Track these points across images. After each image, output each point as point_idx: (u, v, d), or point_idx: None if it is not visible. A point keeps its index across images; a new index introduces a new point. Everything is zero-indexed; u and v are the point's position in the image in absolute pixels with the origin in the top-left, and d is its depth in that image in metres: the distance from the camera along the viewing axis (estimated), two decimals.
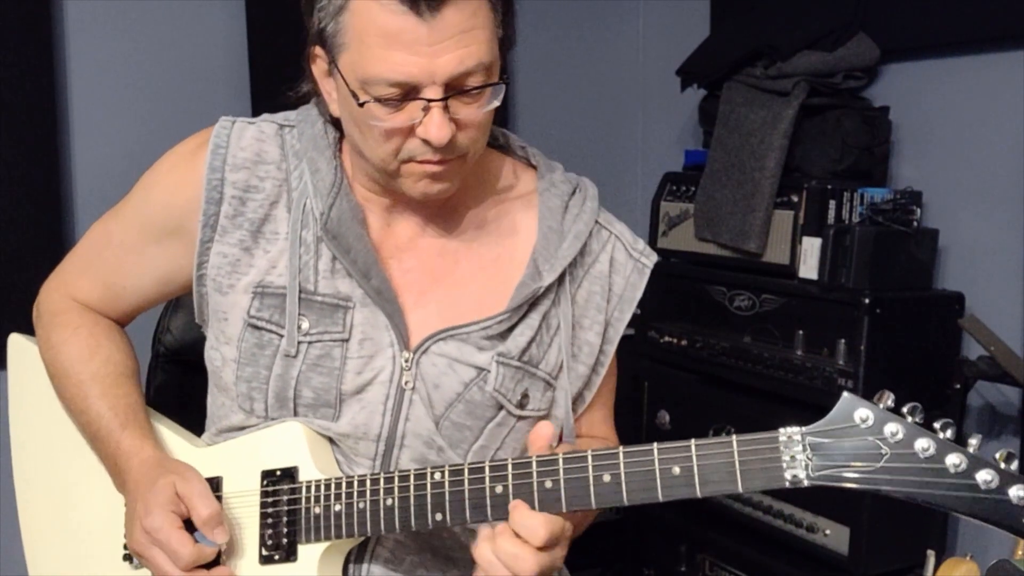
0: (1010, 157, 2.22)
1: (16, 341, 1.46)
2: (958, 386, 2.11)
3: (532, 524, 1.06)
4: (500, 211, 1.30)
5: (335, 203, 1.22)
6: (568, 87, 3.07)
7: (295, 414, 1.23)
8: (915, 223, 2.26)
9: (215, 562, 1.18)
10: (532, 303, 1.25)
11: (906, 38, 2.36)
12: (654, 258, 1.34)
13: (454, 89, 1.11)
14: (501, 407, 1.24)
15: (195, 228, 1.25)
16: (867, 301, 2.08)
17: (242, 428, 1.27)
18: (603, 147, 3.16)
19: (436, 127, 1.10)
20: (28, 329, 1.45)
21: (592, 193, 1.33)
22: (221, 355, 1.27)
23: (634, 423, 2.62)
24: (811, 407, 2.19)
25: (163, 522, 1.15)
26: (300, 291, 1.22)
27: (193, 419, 1.37)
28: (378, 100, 1.10)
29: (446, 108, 1.10)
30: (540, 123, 2.95)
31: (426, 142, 1.12)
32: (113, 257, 1.34)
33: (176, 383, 1.59)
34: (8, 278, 2.24)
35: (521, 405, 1.25)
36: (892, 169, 2.44)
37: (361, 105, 1.11)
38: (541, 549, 1.06)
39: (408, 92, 1.10)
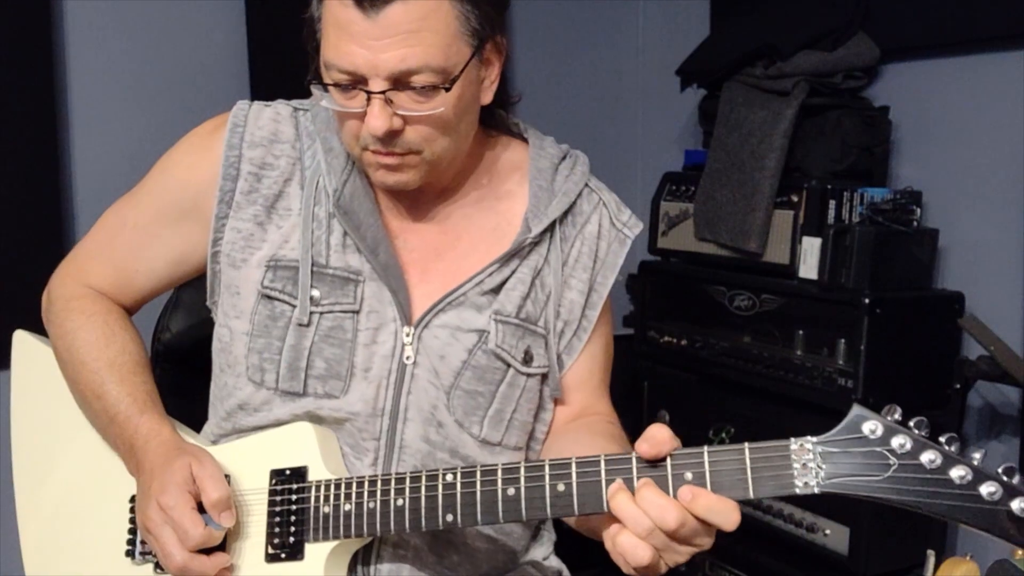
0: (1010, 157, 2.22)
1: (21, 337, 1.46)
2: (958, 386, 2.10)
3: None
4: (495, 183, 1.34)
5: (348, 180, 1.26)
6: (568, 87, 3.07)
7: (304, 386, 1.25)
8: (915, 223, 2.26)
9: (218, 548, 1.19)
10: (522, 258, 1.29)
11: (906, 38, 2.36)
12: (638, 229, 1.38)
13: (402, 85, 1.15)
14: (508, 365, 1.27)
15: (211, 206, 1.28)
16: (867, 301, 2.08)
17: (247, 405, 1.28)
18: (603, 147, 3.16)
19: (372, 117, 1.15)
20: (28, 327, 1.45)
21: (583, 160, 1.37)
22: (230, 330, 1.29)
23: (634, 423, 2.62)
24: (811, 407, 2.19)
25: (178, 501, 1.17)
26: (312, 264, 1.25)
27: (191, 417, 1.37)
28: (334, 85, 1.17)
29: (389, 102, 1.15)
30: (540, 122, 2.94)
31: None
32: (127, 240, 1.36)
33: (174, 382, 1.59)
34: (8, 277, 2.24)
35: (526, 362, 1.29)
36: (892, 169, 2.44)
37: (325, 89, 1.18)
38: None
39: (357, 81, 1.15)
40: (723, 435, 2.36)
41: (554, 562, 1.39)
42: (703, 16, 2.94)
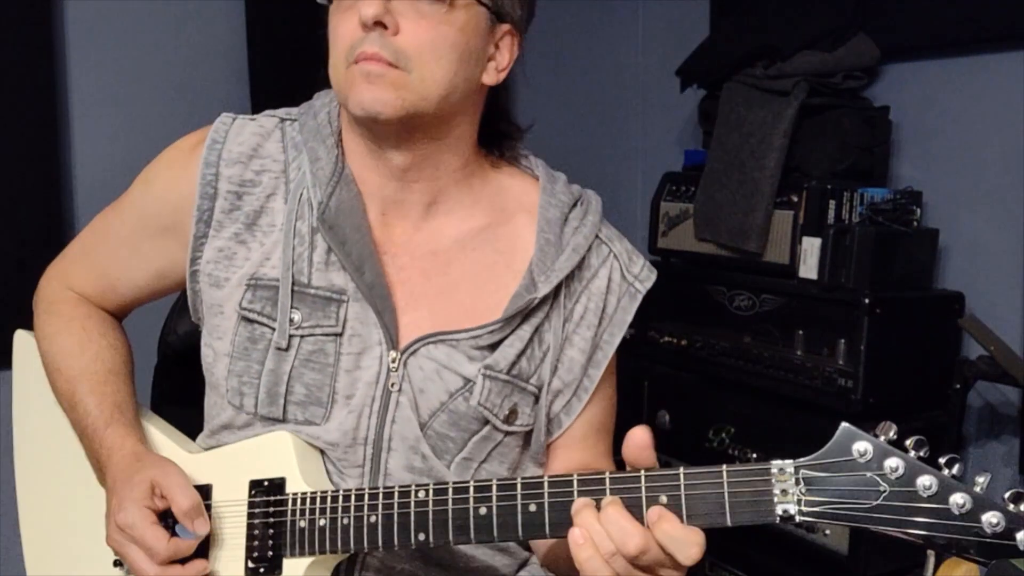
0: (1010, 157, 2.22)
1: (22, 338, 1.46)
2: (958, 386, 2.10)
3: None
4: (498, 221, 1.28)
5: (335, 192, 1.20)
6: (568, 87, 3.06)
7: (284, 412, 1.21)
8: (915, 223, 2.26)
9: (193, 556, 1.17)
10: (525, 316, 1.23)
11: (906, 38, 2.36)
12: (650, 282, 1.31)
13: None
14: (487, 421, 1.22)
15: (189, 224, 1.24)
16: (867, 301, 2.08)
17: (230, 426, 1.26)
18: (603, 147, 3.16)
19: (365, 3, 1.11)
20: (30, 327, 1.44)
21: (595, 207, 1.31)
22: (213, 351, 1.26)
23: (634, 423, 2.61)
24: (811, 407, 2.19)
25: (136, 518, 1.14)
26: (293, 283, 1.20)
27: (198, 420, 1.36)
28: None
29: None
30: (540, 123, 2.94)
31: (364, 27, 1.13)
32: (109, 250, 1.34)
33: (181, 385, 1.58)
34: (9, 276, 2.24)
35: (508, 420, 1.23)
36: (892, 169, 2.44)
37: (329, 2, 1.17)
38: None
39: None
40: (723, 435, 2.36)
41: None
42: (703, 16, 2.94)
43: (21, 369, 1.45)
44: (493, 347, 1.22)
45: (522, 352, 1.23)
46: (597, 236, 1.29)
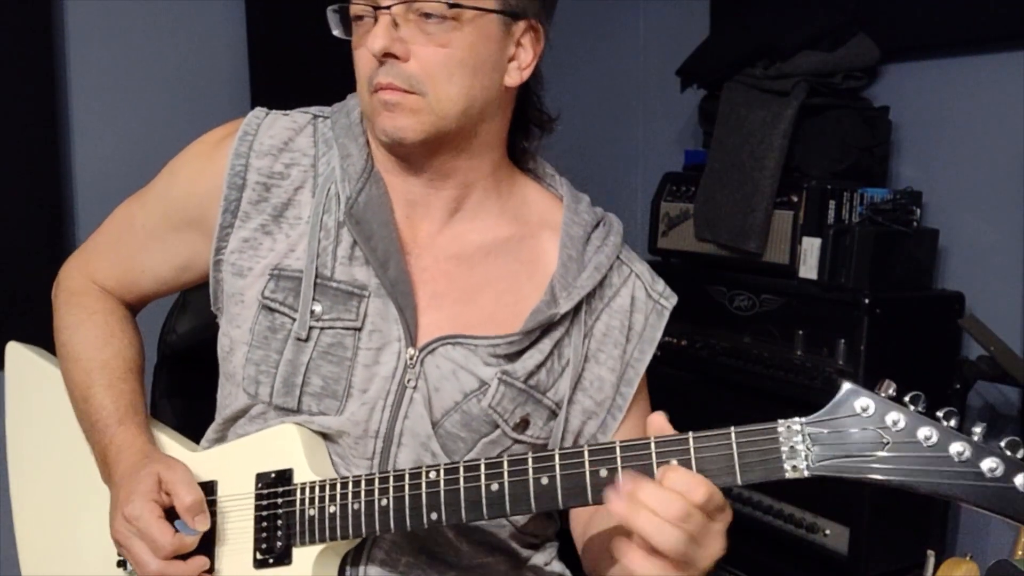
0: (1010, 157, 2.22)
1: (14, 349, 1.46)
2: (958, 386, 2.11)
3: (686, 478, 0.99)
4: (522, 233, 1.29)
5: (364, 188, 1.23)
6: (568, 87, 3.05)
7: (299, 403, 1.22)
8: (915, 223, 2.26)
9: (198, 553, 1.18)
10: (545, 329, 1.24)
11: (906, 38, 2.37)
12: (674, 300, 1.33)
13: (411, 9, 1.15)
14: (496, 426, 1.23)
15: (214, 216, 1.25)
16: (867, 301, 2.09)
17: (243, 415, 1.26)
18: (603, 147, 3.16)
19: (372, 34, 1.15)
20: (26, 334, 1.45)
21: (616, 229, 1.32)
22: (230, 339, 1.26)
23: None
24: (811, 407, 2.18)
25: (143, 510, 1.15)
26: (316, 276, 1.21)
27: (197, 420, 1.36)
28: (355, 18, 1.18)
29: (396, 25, 1.14)
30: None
31: (376, 59, 1.16)
32: (133, 241, 1.34)
33: (181, 384, 1.59)
34: (8, 283, 2.23)
35: (518, 429, 1.24)
36: (892, 169, 2.44)
37: (340, 22, 1.19)
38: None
39: (374, 8, 1.16)
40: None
41: (556, 567, 1.37)
42: (703, 16, 2.94)
43: (14, 380, 1.46)
44: (511, 357, 1.23)
45: (541, 364, 1.24)
46: (618, 257, 1.30)
